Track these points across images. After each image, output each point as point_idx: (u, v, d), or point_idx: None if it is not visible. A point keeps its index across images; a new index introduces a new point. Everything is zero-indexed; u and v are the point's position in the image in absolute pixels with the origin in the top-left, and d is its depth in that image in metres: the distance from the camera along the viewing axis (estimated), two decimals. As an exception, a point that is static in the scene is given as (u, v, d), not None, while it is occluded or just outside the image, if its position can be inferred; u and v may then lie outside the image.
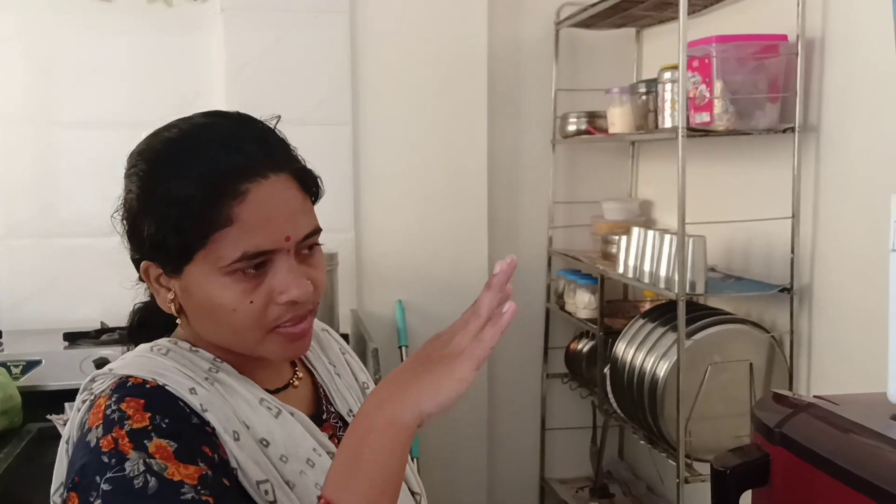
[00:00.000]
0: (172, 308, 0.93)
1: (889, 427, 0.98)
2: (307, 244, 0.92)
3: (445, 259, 2.71)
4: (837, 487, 0.92)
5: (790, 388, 1.97)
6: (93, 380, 0.92)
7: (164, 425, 0.84)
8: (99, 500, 0.80)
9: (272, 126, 0.96)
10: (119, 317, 2.45)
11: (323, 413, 1.04)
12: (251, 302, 0.88)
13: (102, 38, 2.52)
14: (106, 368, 0.92)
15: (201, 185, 0.86)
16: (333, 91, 2.58)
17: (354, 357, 1.16)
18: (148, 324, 1.00)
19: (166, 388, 0.87)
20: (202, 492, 0.81)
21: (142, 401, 0.85)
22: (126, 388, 0.87)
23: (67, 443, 0.89)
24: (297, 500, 0.89)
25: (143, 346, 0.95)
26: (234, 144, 0.89)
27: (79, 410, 0.90)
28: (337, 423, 1.05)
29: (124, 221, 0.94)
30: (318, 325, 1.12)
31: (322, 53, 2.57)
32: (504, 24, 2.72)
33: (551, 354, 2.87)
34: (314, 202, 0.96)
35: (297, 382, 1.02)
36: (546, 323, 2.87)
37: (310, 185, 0.94)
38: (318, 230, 0.93)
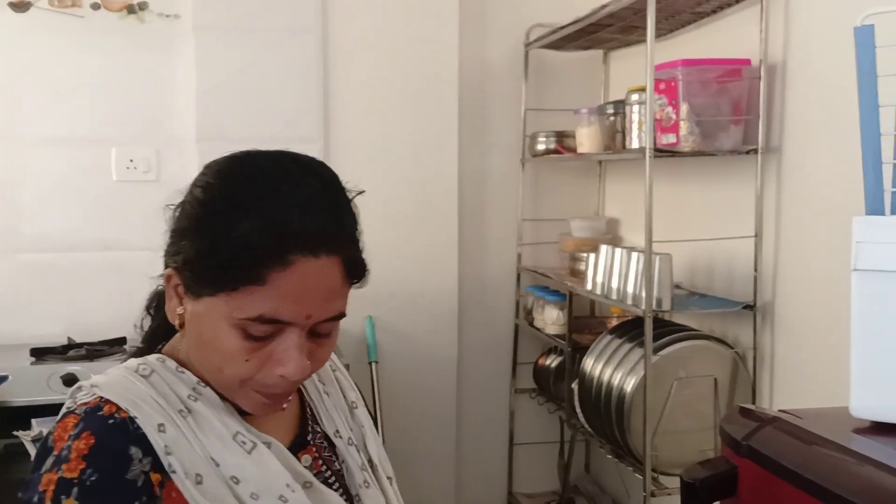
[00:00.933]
0: (176, 321, 0.94)
1: (852, 440, 1.02)
2: (325, 328, 0.92)
3: (416, 276, 2.74)
4: (803, 498, 0.96)
5: (753, 403, 2.01)
6: (79, 388, 0.94)
7: (88, 483, 0.84)
8: None
9: (350, 198, 0.95)
10: (85, 332, 2.46)
11: (308, 434, 1.04)
12: (247, 360, 0.89)
13: (72, 54, 2.51)
14: (90, 383, 0.93)
15: (258, 236, 0.85)
16: (305, 110, 2.60)
17: (345, 375, 1.15)
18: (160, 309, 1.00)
19: (135, 422, 0.88)
20: None
21: (92, 441, 0.86)
22: (93, 417, 0.88)
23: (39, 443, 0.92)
24: None
25: (131, 363, 0.95)
26: (309, 213, 0.87)
27: (61, 413, 0.92)
28: (322, 443, 1.04)
29: (175, 218, 0.93)
30: None
31: (294, 73, 2.58)
32: (474, 45, 2.76)
33: (520, 370, 2.90)
34: (353, 287, 0.94)
35: (285, 405, 1.01)
36: (515, 339, 2.90)
37: (355, 274, 0.92)
38: (341, 315, 0.92)
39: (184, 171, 2.56)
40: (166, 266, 0.94)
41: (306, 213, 0.87)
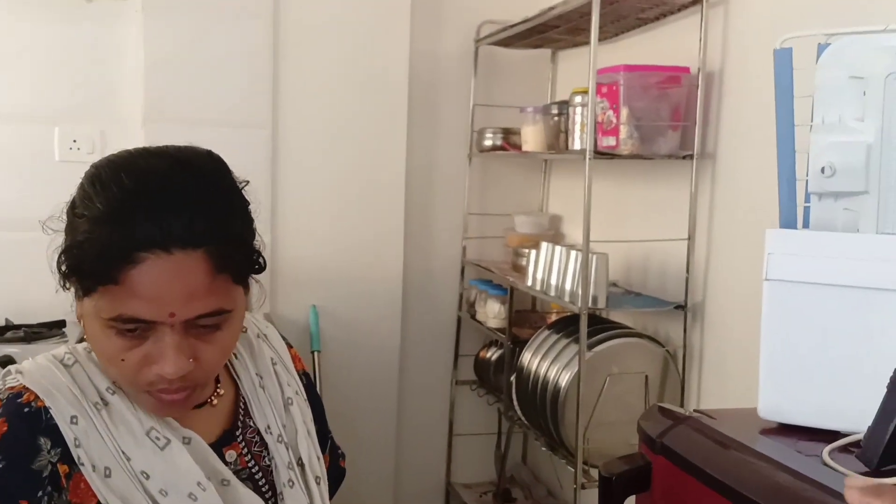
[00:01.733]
0: (78, 320, 0.93)
1: (757, 441, 1.08)
2: (204, 323, 0.89)
3: (361, 265, 2.76)
4: (709, 495, 1.01)
5: (682, 400, 2.09)
6: (8, 372, 0.95)
7: None
8: None
9: (229, 192, 0.92)
10: (25, 314, 2.43)
11: (238, 428, 1.03)
12: (122, 360, 0.89)
13: (13, 27, 2.46)
14: (16, 368, 0.95)
15: (107, 236, 0.84)
16: (253, 93, 2.59)
17: (287, 369, 1.13)
18: None
19: (48, 412, 0.90)
20: None
21: (5, 427, 0.88)
22: (12, 403, 0.91)
23: None
24: None
25: (59, 351, 0.97)
26: (155, 209, 0.85)
27: None
28: (254, 437, 1.04)
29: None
30: (256, 328, 1.12)
31: (243, 55, 2.57)
32: (426, 38, 2.78)
33: (461, 362, 2.95)
34: (239, 279, 0.92)
35: (216, 402, 1.01)
36: (457, 331, 2.94)
37: (228, 267, 0.89)
38: (221, 311, 0.89)
39: (129, 154, 2.54)
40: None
41: (157, 209, 0.85)
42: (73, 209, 0.90)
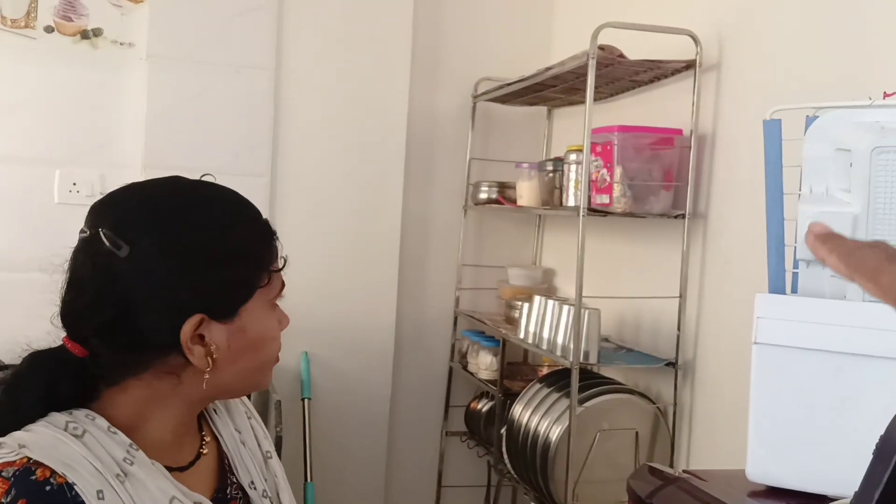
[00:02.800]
0: (209, 361, 0.93)
1: (744, 503, 1.09)
2: None
3: (354, 314, 2.77)
4: (697, 556, 1.02)
5: (671, 457, 2.09)
6: (1, 444, 0.87)
7: None
8: None
9: None
10: (16, 354, 2.42)
11: (227, 487, 1.03)
12: (280, 322, 1.02)
13: (19, 72, 2.50)
14: (15, 441, 0.86)
15: (256, 229, 0.99)
16: (253, 144, 2.63)
17: (259, 422, 1.14)
18: (16, 395, 0.92)
19: (74, 488, 0.83)
20: None
21: None
22: (26, 483, 0.82)
23: None
24: None
25: (56, 419, 0.90)
26: (244, 201, 1.01)
27: None
28: (238, 493, 1.04)
29: (139, 281, 0.90)
30: None
31: (245, 107, 2.62)
32: (424, 93, 2.84)
33: (452, 412, 2.94)
34: None
35: (206, 450, 1.02)
36: (448, 381, 2.95)
37: None
38: None
39: (128, 198, 2.56)
40: (181, 321, 0.91)
41: (243, 201, 1.01)
42: (198, 239, 0.93)
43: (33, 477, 0.82)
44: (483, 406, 2.78)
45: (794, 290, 1.15)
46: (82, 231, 0.95)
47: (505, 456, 2.38)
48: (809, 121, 1.11)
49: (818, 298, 1.11)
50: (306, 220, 2.72)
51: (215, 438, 1.06)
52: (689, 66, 2.05)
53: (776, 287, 1.14)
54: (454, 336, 2.92)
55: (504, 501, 2.94)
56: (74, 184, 2.55)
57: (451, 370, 2.93)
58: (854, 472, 0.94)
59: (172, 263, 0.91)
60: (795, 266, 1.15)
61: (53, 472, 0.83)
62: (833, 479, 1.05)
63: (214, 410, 1.07)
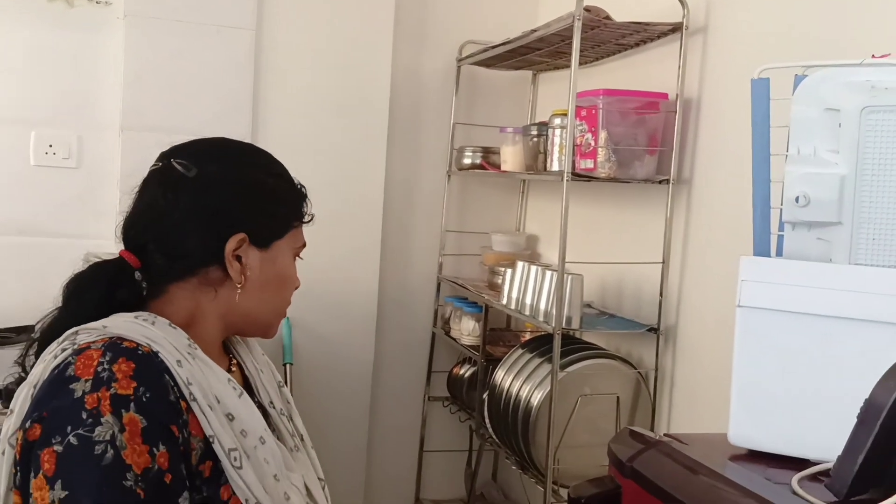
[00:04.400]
0: (243, 279, 1.09)
1: (726, 467, 1.09)
2: None
3: (336, 279, 2.75)
4: (678, 519, 1.02)
5: (652, 422, 2.10)
6: (76, 332, 0.99)
7: (144, 399, 0.94)
8: (59, 448, 0.91)
9: None
10: (7, 317, 2.39)
11: (254, 399, 1.16)
12: (296, 279, 1.17)
13: (-7, 31, 2.45)
14: (96, 324, 1.00)
15: (295, 186, 1.19)
16: (233, 106, 2.58)
17: (270, 363, 1.30)
18: (81, 294, 1.07)
19: (158, 355, 0.98)
20: (140, 483, 0.91)
21: (133, 365, 0.95)
22: (119, 348, 0.96)
23: (35, 386, 0.97)
24: (251, 470, 1.02)
25: (126, 315, 1.03)
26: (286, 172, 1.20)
27: (55, 357, 0.98)
28: (259, 409, 1.16)
29: (201, 198, 1.07)
30: None
31: (225, 68, 2.56)
32: (408, 56, 2.79)
33: (434, 378, 2.94)
34: None
35: (234, 369, 1.18)
36: (431, 347, 2.94)
37: None
38: None
39: (105, 159, 2.52)
40: (228, 236, 1.07)
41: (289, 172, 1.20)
42: (251, 167, 1.15)
43: (123, 345, 0.97)
44: (465, 371, 2.78)
45: (780, 253, 1.14)
46: (153, 165, 1.11)
47: (487, 421, 2.38)
48: (798, 80, 1.09)
49: (804, 261, 1.10)
50: (288, 184, 2.68)
51: (239, 365, 1.20)
52: (676, 28, 2.02)
53: (761, 250, 1.13)
54: (437, 302, 2.91)
55: (486, 466, 2.96)
56: (51, 146, 2.50)
57: (433, 336, 2.92)
58: (837, 436, 0.94)
59: (230, 188, 1.09)
60: (781, 228, 1.13)
61: (139, 345, 0.98)
62: (816, 444, 1.05)
63: (236, 341, 1.22)
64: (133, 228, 1.09)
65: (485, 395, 2.40)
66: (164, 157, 1.11)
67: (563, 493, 2.10)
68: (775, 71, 1.13)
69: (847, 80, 1.05)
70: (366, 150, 2.74)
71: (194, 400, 0.98)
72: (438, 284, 2.91)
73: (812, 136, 1.07)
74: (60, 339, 1.01)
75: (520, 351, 2.28)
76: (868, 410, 0.88)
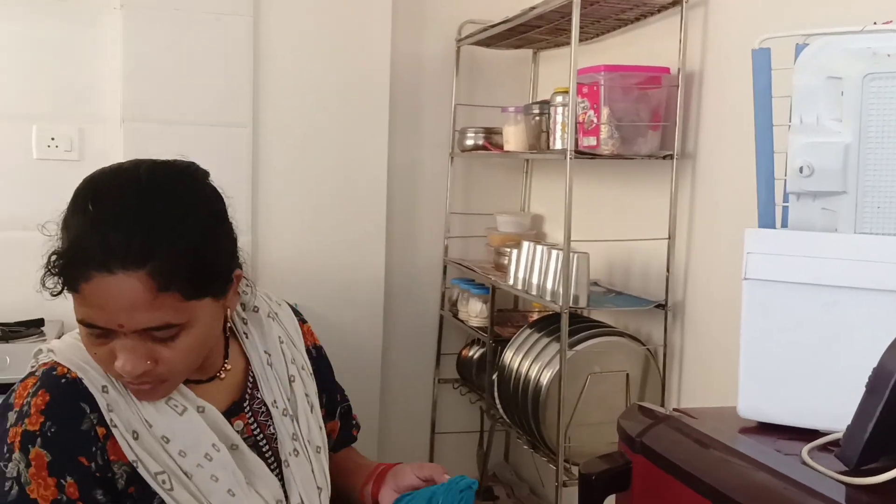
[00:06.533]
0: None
1: (736, 440, 1.09)
2: (157, 335, 0.99)
3: (342, 265, 2.75)
4: (689, 494, 1.02)
5: (662, 398, 2.10)
6: (39, 352, 1.09)
7: (49, 434, 0.98)
8: None
9: (171, 211, 0.99)
10: (2, 312, 2.40)
11: (245, 400, 1.17)
12: (95, 353, 1.02)
13: (-10, 24, 2.44)
14: (47, 347, 1.08)
15: (68, 251, 0.97)
16: (234, 93, 2.58)
17: (294, 346, 1.27)
18: None
19: (82, 382, 1.02)
20: None
21: (47, 398, 1.00)
22: (48, 377, 1.03)
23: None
24: (195, 488, 1.03)
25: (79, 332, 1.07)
26: (99, 228, 0.95)
27: (28, 369, 1.07)
28: (261, 408, 1.17)
29: None
30: (269, 307, 1.25)
31: (223, 56, 2.55)
32: (407, 38, 2.78)
33: (443, 360, 2.95)
34: (193, 295, 0.99)
35: (223, 375, 1.15)
36: (440, 330, 2.94)
37: (176, 283, 0.97)
38: (169, 325, 0.98)
39: (108, 152, 2.51)
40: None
41: (103, 231, 0.95)
42: (63, 219, 1.01)
43: (54, 373, 1.04)
44: (474, 353, 2.78)
45: (785, 225, 1.13)
46: None
47: (497, 401, 2.39)
48: (799, 49, 1.08)
49: (809, 232, 1.09)
50: (290, 170, 2.68)
51: (245, 358, 1.19)
52: (676, 2, 2.00)
53: (766, 221, 1.12)
54: (444, 284, 2.91)
55: (497, 446, 2.97)
56: (53, 139, 2.50)
57: (441, 319, 2.93)
58: (847, 406, 0.94)
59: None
60: (785, 199, 1.12)
61: (69, 370, 1.03)
62: (826, 414, 1.04)
63: (246, 335, 1.20)
64: None
65: (494, 376, 2.41)
66: None
67: (575, 471, 2.10)
68: (776, 41, 1.12)
69: (849, 48, 1.04)
70: (368, 135, 2.73)
71: (115, 426, 1.01)
72: (445, 267, 2.91)
73: (814, 105, 1.06)
74: (34, 351, 1.10)
75: (528, 331, 2.28)
76: (877, 379, 0.88)
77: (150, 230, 0.96)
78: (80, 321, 0.99)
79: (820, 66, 1.05)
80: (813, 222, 1.10)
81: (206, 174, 1.08)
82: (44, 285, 1.00)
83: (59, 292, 0.99)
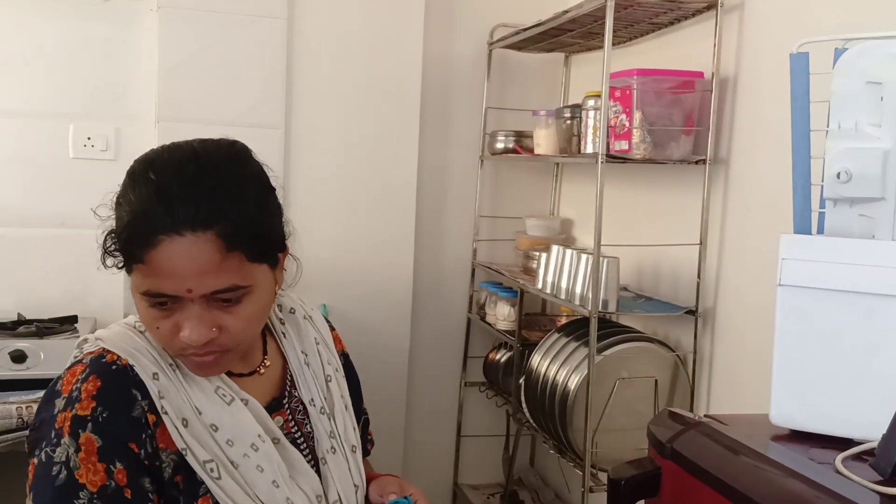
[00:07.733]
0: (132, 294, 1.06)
1: (768, 447, 1.07)
2: (223, 297, 1.00)
3: (372, 266, 2.76)
4: (720, 501, 1.01)
5: (691, 405, 2.08)
6: (85, 341, 1.08)
7: (101, 419, 0.98)
8: (36, 461, 0.99)
9: (230, 177, 1.02)
10: (37, 309, 2.45)
11: (285, 397, 1.18)
12: (157, 328, 1.02)
13: (30, 25, 2.48)
14: (95, 336, 1.08)
15: (132, 222, 0.97)
16: (267, 95, 2.60)
17: (328, 348, 1.28)
18: None
19: (133, 369, 1.02)
20: (95, 501, 0.96)
21: (99, 383, 1.00)
22: (98, 364, 1.03)
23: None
24: (241, 478, 1.04)
25: (130, 319, 1.11)
26: (165, 196, 0.96)
27: (67, 364, 1.06)
28: (298, 406, 1.19)
29: None
30: (304, 310, 1.28)
31: (257, 57, 2.58)
32: (439, 41, 2.78)
33: (470, 363, 2.95)
34: (254, 257, 1.01)
35: (263, 371, 1.16)
36: (467, 333, 2.94)
37: (240, 244, 0.99)
38: (236, 287, 1.00)
39: (143, 151, 2.54)
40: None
41: (168, 197, 0.96)
42: (117, 199, 1.02)
43: (104, 360, 1.03)
44: (501, 356, 2.78)
45: (821, 231, 1.12)
46: None
47: (524, 405, 2.38)
48: (838, 53, 1.07)
49: (846, 238, 1.08)
50: (322, 171, 2.70)
51: (283, 355, 1.21)
52: (711, 6, 1.99)
53: (802, 227, 1.11)
54: (472, 287, 2.91)
55: (523, 450, 2.96)
56: (89, 138, 2.54)
57: (469, 321, 2.93)
58: (882, 415, 0.93)
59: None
60: (822, 205, 1.11)
61: (119, 358, 1.03)
62: (860, 423, 1.03)
63: (283, 335, 1.22)
64: None
65: (521, 380, 2.40)
66: None
67: (602, 476, 2.09)
68: (814, 45, 1.10)
69: (888, 52, 1.02)
70: (398, 136, 2.75)
71: (165, 413, 1.01)
72: (473, 270, 2.91)
73: (853, 110, 1.05)
74: (78, 341, 1.09)
75: (556, 335, 2.28)
76: (914, 388, 0.87)
77: (213, 193, 0.98)
78: (146, 293, 0.98)
79: (859, 71, 1.04)
80: (850, 229, 1.09)
81: (250, 150, 1.11)
82: (104, 265, 1.02)
83: (129, 267, 0.99)
